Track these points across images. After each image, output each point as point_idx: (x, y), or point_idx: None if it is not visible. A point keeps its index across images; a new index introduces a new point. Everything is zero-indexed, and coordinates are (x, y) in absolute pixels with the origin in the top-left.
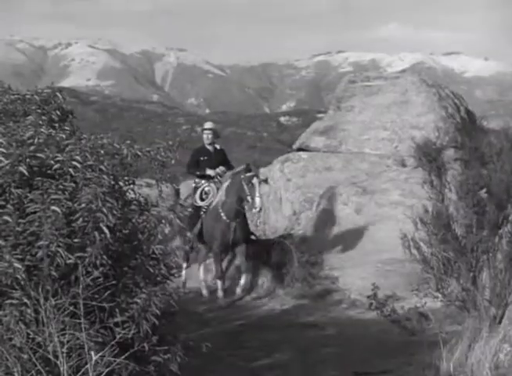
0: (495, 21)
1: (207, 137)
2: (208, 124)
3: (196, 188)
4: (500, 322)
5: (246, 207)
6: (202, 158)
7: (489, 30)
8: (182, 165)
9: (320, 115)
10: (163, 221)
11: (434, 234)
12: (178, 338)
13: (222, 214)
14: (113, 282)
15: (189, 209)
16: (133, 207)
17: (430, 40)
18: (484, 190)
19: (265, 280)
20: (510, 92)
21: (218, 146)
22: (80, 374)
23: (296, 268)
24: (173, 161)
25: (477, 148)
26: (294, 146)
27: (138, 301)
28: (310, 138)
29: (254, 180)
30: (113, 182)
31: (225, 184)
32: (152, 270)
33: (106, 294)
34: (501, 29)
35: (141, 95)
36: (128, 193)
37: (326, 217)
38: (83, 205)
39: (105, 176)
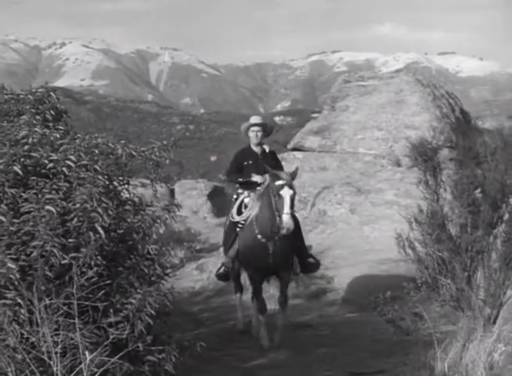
0: (490, 21)
1: (255, 135)
2: (256, 119)
3: (235, 200)
4: (495, 322)
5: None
6: (246, 162)
7: (484, 30)
8: (177, 165)
9: (315, 115)
10: (158, 221)
11: (429, 234)
12: (172, 337)
13: (257, 231)
14: (108, 282)
15: (228, 226)
16: (128, 207)
17: (425, 40)
18: (479, 190)
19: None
20: (505, 92)
21: (267, 148)
22: (74, 374)
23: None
24: (167, 161)
25: (472, 148)
26: (289, 146)
27: (133, 301)
28: (305, 138)
29: (283, 191)
30: (107, 182)
31: (258, 193)
32: (146, 270)
33: (100, 294)
34: (496, 29)
35: (135, 95)
36: (122, 193)
37: (321, 217)
38: (78, 205)
39: (99, 176)
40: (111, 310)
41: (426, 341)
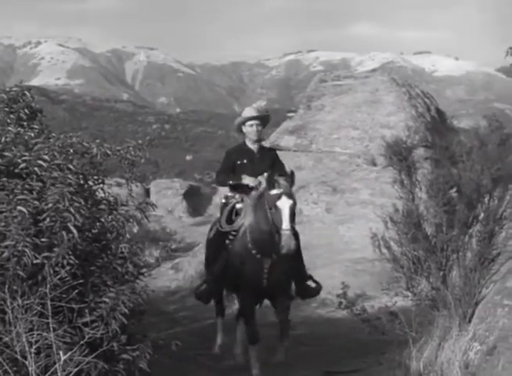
0: (466, 21)
1: (254, 131)
2: (252, 111)
3: (224, 205)
4: (470, 321)
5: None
6: (240, 162)
7: (460, 29)
8: (153, 164)
9: (290, 114)
10: (131, 220)
11: (404, 233)
12: (147, 336)
13: (251, 245)
14: (81, 281)
15: (213, 237)
16: (102, 206)
17: (401, 39)
18: (455, 189)
19: None
20: (481, 92)
21: (266, 145)
22: (48, 374)
23: None
24: (143, 160)
25: (448, 147)
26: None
27: (107, 300)
28: (280, 137)
29: (281, 203)
30: (82, 182)
31: (253, 199)
32: (120, 269)
33: (74, 293)
34: (471, 29)
35: (111, 94)
36: (97, 193)
37: (297, 216)
38: (50, 205)
39: (70, 176)
40: (85, 310)
41: (401, 341)
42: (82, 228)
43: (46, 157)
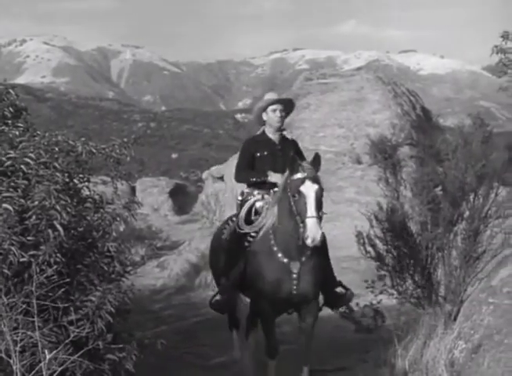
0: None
1: (277, 117)
2: (275, 95)
3: (242, 204)
4: (455, 319)
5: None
6: (259, 154)
7: (445, 28)
8: (138, 162)
9: None
10: (117, 219)
11: (389, 231)
12: (133, 335)
13: (276, 248)
14: (67, 280)
15: (225, 236)
16: (88, 204)
17: (387, 38)
18: (440, 188)
19: None
20: (466, 90)
21: (288, 136)
22: (33, 372)
23: None
24: (128, 158)
25: (433, 145)
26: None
27: (93, 299)
28: None
29: (305, 187)
30: (67, 180)
31: (276, 198)
32: (106, 268)
33: (59, 292)
34: (457, 27)
35: (96, 93)
36: (82, 191)
37: None
38: (36, 203)
39: (58, 174)
40: (71, 308)
41: (386, 339)
42: (68, 226)
43: (32, 155)
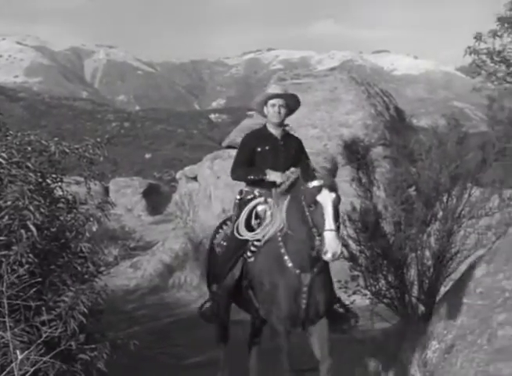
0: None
1: (276, 112)
2: (277, 88)
3: (240, 204)
4: (428, 319)
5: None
6: (260, 149)
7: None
8: (111, 162)
9: (250, 113)
10: (91, 219)
11: (363, 232)
12: (106, 336)
13: (286, 257)
14: (40, 280)
15: (223, 242)
16: (61, 204)
17: (360, 38)
18: (413, 188)
19: (193, 276)
20: (440, 91)
21: (292, 131)
22: (5, 373)
23: None
24: (101, 158)
25: (406, 146)
26: (224, 144)
27: (66, 299)
28: (240, 135)
29: (323, 197)
30: (40, 180)
31: (285, 203)
32: (79, 268)
33: (31, 292)
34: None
35: (70, 92)
36: (55, 191)
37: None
38: (9, 203)
39: (31, 173)
40: (43, 308)
41: (360, 339)
42: (41, 226)
43: (4, 155)
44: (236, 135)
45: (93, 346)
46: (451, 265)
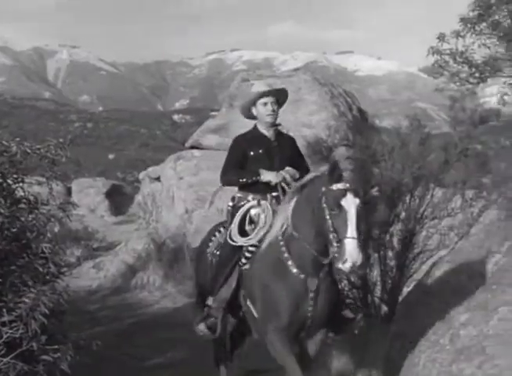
0: (388, 21)
1: (269, 111)
2: (265, 85)
3: (233, 211)
4: (391, 319)
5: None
6: (253, 152)
7: (383, 29)
8: (74, 163)
9: (214, 113)
10: (52, 219)
11: None
12: (68, 337)
13: (290, 262)
14: (0, 281)
15: (215, 251)
16: (22, 205)
17: (324, 39)
18: (376, 189)
19: (156, 277)
20: (403, 91)
21: (284, 130)
22: None
23: (187, 265)
24: (64, 159)
25: (369, 146)
26: (187, 144)
27: (27, 300)
28: (203, 136)
29: (346, 201)
30: (1, 180)
31: (291, 203)
32: (41, 269)
33: None
34: (394, 29)
35: (32, 93)
36: (17, 191)
37: (220, 216)
38: None
39: None
40: (4, 309)
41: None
42: (2, 227)
43: None
44: (200, 136)
45: (56, 347)
46: (413, 266)
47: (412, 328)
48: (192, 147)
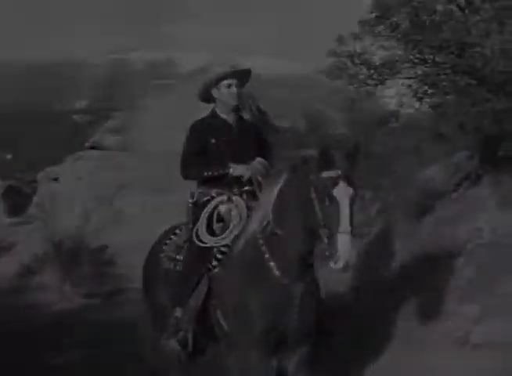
0: (289, 21)
1: (232, 93)
2: (228, 67)
3: (194, 209)
4: None
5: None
6: (214, 140)
7: (282, 29)
8: None
9: (114, 113)
10: None
11: None
12: None
13: (272, 264)
14: None
15: (174, 255)
16: None
17: (225, 38)
18: None
19: (53, 277)
20: (302, 91)
21: (246, 116)
22: None
23: (85, 266)
24: None
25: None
26: (87, 145)
27: None
28: (103, 136)
29: (338, 191)
30: None
31: (272, 196)
32: None
33: None
34: (295, 29)
35: None
36: None
37: (120, 216)
38: None
39: None
40: None
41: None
42: None
43: None
44: (100, 136)
45: None
46: None
47: None
48: (92, 148)
